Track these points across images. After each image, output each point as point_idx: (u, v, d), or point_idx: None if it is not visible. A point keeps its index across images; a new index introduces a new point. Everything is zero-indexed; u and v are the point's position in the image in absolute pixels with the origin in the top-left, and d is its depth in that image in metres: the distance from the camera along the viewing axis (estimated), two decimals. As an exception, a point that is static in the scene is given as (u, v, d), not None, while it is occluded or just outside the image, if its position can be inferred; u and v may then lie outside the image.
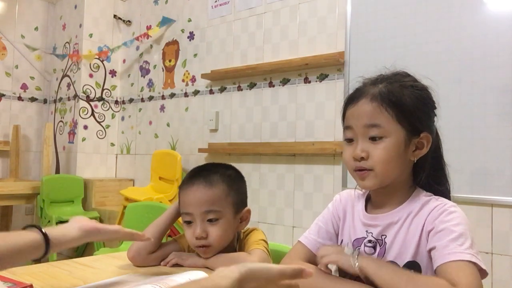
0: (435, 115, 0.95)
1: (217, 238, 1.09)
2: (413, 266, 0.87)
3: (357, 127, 0.90)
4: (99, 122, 4.01)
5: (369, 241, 0.93)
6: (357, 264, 0.81)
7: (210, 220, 1.08)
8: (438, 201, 0.89)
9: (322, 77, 2.66)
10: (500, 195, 1.96)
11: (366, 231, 0.94)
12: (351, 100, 0.93)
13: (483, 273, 0.79)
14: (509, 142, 1.95)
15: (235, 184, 1.15)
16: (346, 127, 0.93)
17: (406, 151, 0.89)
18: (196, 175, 1.13)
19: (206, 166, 1.18)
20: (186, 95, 3.51)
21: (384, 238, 0.91)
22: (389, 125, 0.87)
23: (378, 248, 0.91)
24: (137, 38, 3.81)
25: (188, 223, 1.11)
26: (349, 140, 0.92)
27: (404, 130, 0.88)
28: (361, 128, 0.89)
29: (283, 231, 2.76)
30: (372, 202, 0.98)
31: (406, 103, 0.88)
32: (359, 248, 0.93)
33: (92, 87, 3.97)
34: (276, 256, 1.14)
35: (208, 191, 1.09)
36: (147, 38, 3.78)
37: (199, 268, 1.04)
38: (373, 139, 0.88)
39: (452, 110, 2.07)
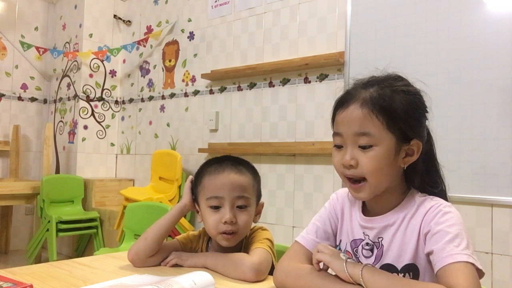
0: (427, 119, 0.92)
1: (244, 225, 1.10)
2: (411, 269, 0.86)
3: (346, 134, 0.87)
4: (99, 122, 4.01)
5: (367, 244, 0.92)
6: (348, 271, 0.81)
7: (239, 207, 1.10)
8: (433, 201, 0.88)
9: (322, 77, 2.66)
10: (500, 195, 1.96)
11: (363, 233, 0.93)
12: (341, 104, 0.90)
13: (479, 272, 0.79)
14: (509, 142, 1.95)
15: (257, 176, 1.18)
16: (336, 133, 0.90)
17: (396, 158, 0.87)
18: (224, 161, 1.14)
19: (225, 157, 1.18)
20: (186, 95, 3.51)
21: (381, 241, 0.90)
22: (379, 133, 0.85)
23: (375, 251, 0.91)
24: (138, 43, 3.81)
25: (215, 208, 1.10)
26: (339, 146, 0.90)
27: (394, 137, 0.86)
28: (351, 136, 0.87)
29: (283, 231, 2.76)
30: (367, 205, 0.97)
31: (397, 109, 0.86)
32: (352, 255, 0.92)
33: (92, 87, 3.97)
34: (276, 256, 1.14)
35: (240, 177, 1.11)
36: (147, 40, 3.78)
37: (200, 269, 1.04)
38: (362, 147, 0.86)
39: (452, 110, 2.07)
